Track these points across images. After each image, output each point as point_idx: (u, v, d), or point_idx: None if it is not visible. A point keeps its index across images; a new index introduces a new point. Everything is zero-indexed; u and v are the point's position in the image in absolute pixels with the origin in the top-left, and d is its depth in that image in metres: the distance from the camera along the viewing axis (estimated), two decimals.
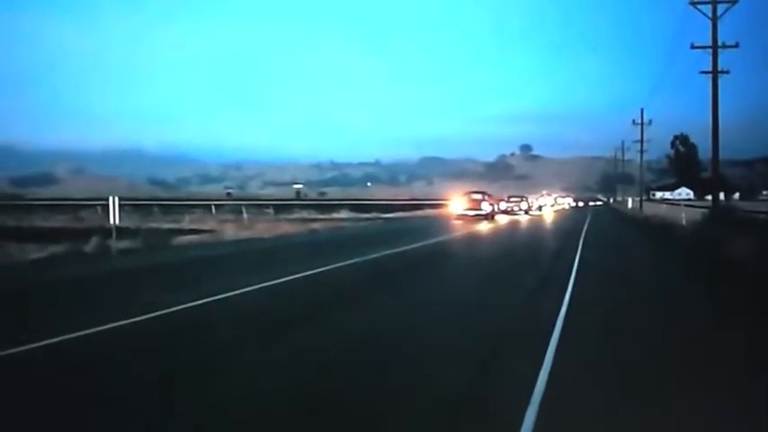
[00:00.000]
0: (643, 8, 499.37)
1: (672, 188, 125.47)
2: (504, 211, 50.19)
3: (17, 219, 38.82)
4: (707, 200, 46.16)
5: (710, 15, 24.53)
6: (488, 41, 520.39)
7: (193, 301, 8.78)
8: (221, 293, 9.39)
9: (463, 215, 38.17)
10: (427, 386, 5.15)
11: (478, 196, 40.79)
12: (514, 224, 36.28)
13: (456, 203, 40.83)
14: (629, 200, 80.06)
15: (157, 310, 8.10)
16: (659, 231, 28.47)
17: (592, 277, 12.37)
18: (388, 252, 16.67)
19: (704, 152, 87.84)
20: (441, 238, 23.30)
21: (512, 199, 57.04)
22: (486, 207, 38.87)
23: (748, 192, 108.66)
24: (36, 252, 16.08)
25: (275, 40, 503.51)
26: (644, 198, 71.94)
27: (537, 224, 37.95)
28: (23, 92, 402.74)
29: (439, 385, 5.17)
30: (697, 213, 30.29)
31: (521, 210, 54.25)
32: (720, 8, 24.38)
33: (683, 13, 26.12)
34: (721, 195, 32.80)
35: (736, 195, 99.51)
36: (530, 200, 61.70)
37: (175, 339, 6.97)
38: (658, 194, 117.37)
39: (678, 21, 43.64)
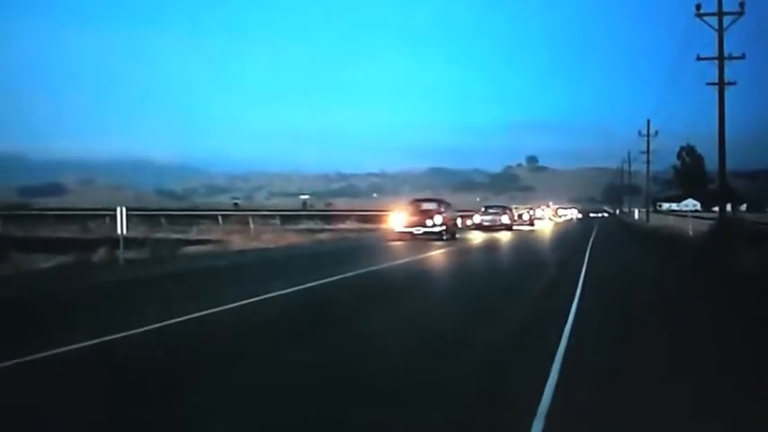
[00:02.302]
0: (649, 19, 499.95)
1: (678, 199, 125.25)
2: (479, 227, 39.35)
3: (26, 229, 39.07)
4: (714, 211, 46.00)
5: (717, 27, 24.58)
6: (495, 52, 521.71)
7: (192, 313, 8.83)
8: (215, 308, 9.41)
9: (405, 233, 26.54)
10: None
11: (431, 206, 29.01)
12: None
13: (396, 217, 28.08)
14: (636, 211, 79.92)
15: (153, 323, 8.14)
16: (668, 243, 28.39)
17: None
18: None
19: (711, 163, 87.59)
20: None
21: (489, 210, 43.15)
22: (438, 221, 26.71)
23: (755, 203, 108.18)
24: (44, 262, 16.21)
25: (281, 51, 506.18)
26: (650, 209, 71.84)
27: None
28: (32, 102, 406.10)
29: None
30: (704, 225, 30.22)
31: (502, 224, 40.10)
32: (727, 20, 24.43)
33: (689, 25, 26.24)
34: (728, 207, 32.63)
35: (743, 207, 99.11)
36: (515, 212, 48.08)
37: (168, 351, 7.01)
38: (665, 206, 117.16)
39: (684, 32, 43.73)
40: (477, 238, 31.57)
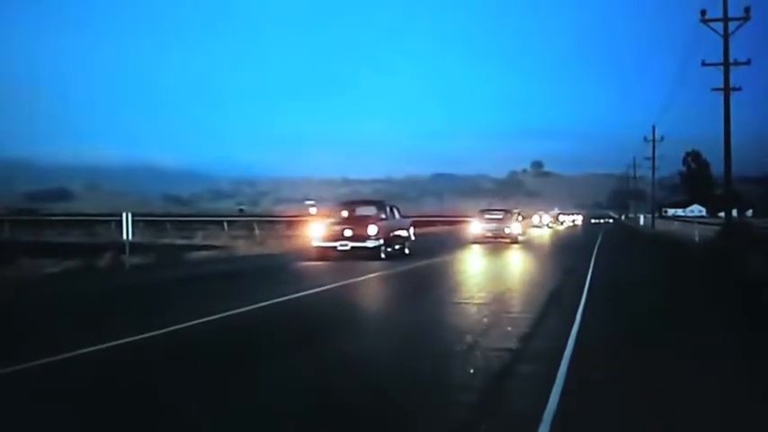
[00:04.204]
0: (654, 25, 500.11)
1: (684, 205, 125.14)
2: (478, 239, 29.38)
3: (33, 234, 39.39)
4: (719, 217, 45.90)
5: (722, 32, 24.59)
6: (499, 57, 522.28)
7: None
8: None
9: (327, 249, 19.56)
10: None
11: (366, 211, 21.86)
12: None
13: (315, 226, 20.83)
14: (641, 217, 79.92)
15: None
16: (676, 249, 28.33)
17: None
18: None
19: (716, 168, 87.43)
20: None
21: (490, 216, 31.64)
22: (372, 232, 19.41)
23: (762, 208, 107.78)
24: (50, 267, 16.32)
25: (286, 56, 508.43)
26: (656, 215, 71.80)
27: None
28: (39, 108, 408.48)
29: None
30: (710, 230, 30.19)
31: (507, 235, 29.86)
32: (732, 25, 24.46)
33: (694, 31, 26.24)
34: (734, 212, 32.57)
35: (749, 212, 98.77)
36: (515, 219, 34.16)
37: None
38: (670, 211, 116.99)
39: (689, 38, 43.72)
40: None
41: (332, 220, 20.83)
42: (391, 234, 20.59)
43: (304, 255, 20.25)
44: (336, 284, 13.33)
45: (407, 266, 17.77)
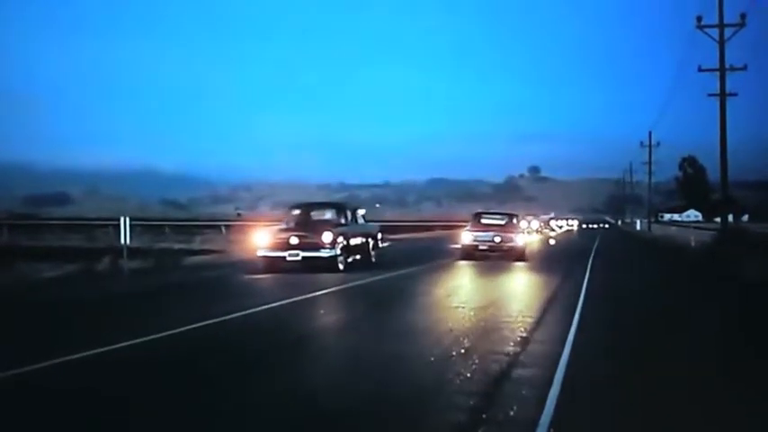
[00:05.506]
0: (651, 31, 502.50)
1: (680, 210, 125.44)
2: (469, 252, 21.97)
3: (32, 238, 39.46)
4: (715, 222, 46.11)
5: (718, 38, 24.74)
6: (497, 63, 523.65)
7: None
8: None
9: (275, 259, 16.64)
10: None
11: (322, 215, 19.14)
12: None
13: (261, 234, 17.67)
14: (638, 222, 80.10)
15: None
16: (674, 254, 28.39)
17: None
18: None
19: (713, 174, 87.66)
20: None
21: (486, 221, 23.75)
22: (327, 239, 16.51)
23: (758, 213, 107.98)
24: (50, 271, 16.38)
25: (284, 60, 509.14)
26: (652, 220, 71.96)
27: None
28: (38, 112, 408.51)
29: None
30: (706, 235, 30.29)
31: (508, 248, 21.79)
32: (728, 31, 24.62)
33: (690, 37, 26.41)
34: (730, 217, 32.70)
35: (745, 217, 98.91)
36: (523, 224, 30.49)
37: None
38: (666, 216, 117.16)
39: (686, 44, 44.00)
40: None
41: (281, 225, 18.12)
42: (352, 242, 17.79)
43: (251, 266, 17.28)
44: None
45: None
